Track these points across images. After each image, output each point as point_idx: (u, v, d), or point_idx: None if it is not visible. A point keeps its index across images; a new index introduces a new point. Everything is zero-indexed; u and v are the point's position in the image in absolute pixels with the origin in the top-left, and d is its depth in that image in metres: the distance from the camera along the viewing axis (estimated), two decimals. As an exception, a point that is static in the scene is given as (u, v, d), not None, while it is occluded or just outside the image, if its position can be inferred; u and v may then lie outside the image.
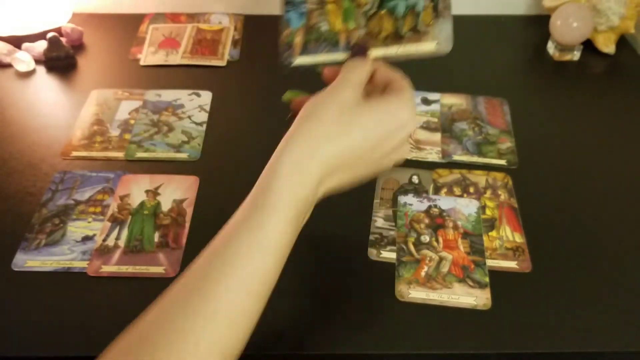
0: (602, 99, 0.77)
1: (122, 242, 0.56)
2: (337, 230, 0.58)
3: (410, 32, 0.45)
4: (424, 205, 0.61)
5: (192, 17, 0.91)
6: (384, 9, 0.44)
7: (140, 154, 0.66)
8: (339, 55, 0.45)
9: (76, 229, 0.58)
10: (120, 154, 0.66)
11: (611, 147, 0.69)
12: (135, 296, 0.52)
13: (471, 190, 0.63)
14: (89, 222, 0.58)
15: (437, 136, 0.70)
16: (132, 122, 0.71)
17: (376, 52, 0.45)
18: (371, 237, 0.57)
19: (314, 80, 0.46)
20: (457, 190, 0.62)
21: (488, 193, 0.62)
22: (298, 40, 0.45)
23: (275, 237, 0.37)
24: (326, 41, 0.44)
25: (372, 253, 0.56)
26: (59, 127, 0.70)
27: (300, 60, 0.45)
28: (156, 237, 0.57)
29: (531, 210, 0.61)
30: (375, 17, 0.44)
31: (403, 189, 0.63)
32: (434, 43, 0.46)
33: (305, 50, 0.45)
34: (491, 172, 0.65)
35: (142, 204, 0.60)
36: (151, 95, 0.75)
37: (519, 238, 0.58)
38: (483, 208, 0.61)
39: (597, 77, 0.82)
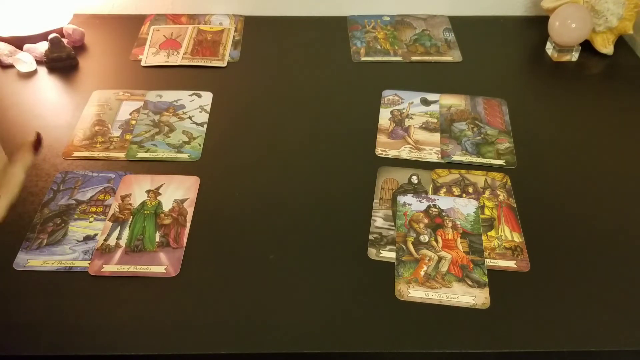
0: (600, 99, 0.78)
1: (123, 242, 0.57)
2: (337, 230, 0.59)
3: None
4: (423, 205, 0.61)
5: (193, 18, 0.91)
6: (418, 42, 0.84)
7: (142, 154, 0.67)
8: None
9: (77, 228, 0.58)
10: (121, 154, 0.67)
11: (609, 147, 0.70)
12: (136, 296, 0.52)
13: (470, 190, 0.63)
14: (91, 222, 0.59)
15: (436, 136, 0.70)
16: (133, 122, 0.71)
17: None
18: (370, 237, 0.58)
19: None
20: (456, 190, 0.63)
21: (487, 193, 0.63)
22: None
23: None
24: None
25: (372, 253, 0.56)
26: (60, 128, 0.70)
27: None
28: (157, 236, 0.57)
29: (530, 210, 0.61)
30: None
31: (402, 189, 0.63)
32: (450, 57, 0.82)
33: None
34: (490, 172, 0.65)
35: (143, 204, 0.61)
36: (152, 95, 0.76)
37: (517, 238, 0.58)
38: (482, 208, 0.61)
39: (596, 78, 0.82)
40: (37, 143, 0.43)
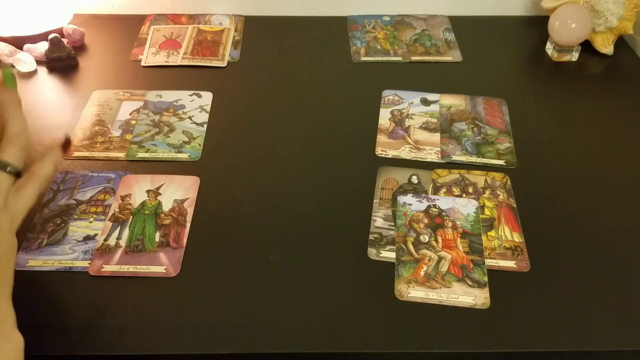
0: (600, 99, 0.78)
1: (123, 242, 0.57)
2: (337, 229, 0.59)
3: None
4: (423, 205, 0.61)
5: (193, 18, 0.91)
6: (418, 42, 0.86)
7: (142, 154, 0.67)
8: None
9: (77, 228, 0.58)
10: (121, 154, 0.67)
11: (609, 147, 0.70)
12: (136, 296, 0.52)
13: (470, 190, 0.63)
14: (91, 222, 0.59)
15: (436, 136, 0.70)
16: (133, 122, 0.71)
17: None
18: (370, 237, 0.58)
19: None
20: (456, 190, 0.63)
21: (487, 193, 0.63)
22: None
23: None
24: None
25: (372, 253, 0.56)
26: (60, 128, 0.70)
27: None
28: (157, 236, 0.57)
29: (530, 210, 0.61)
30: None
31: (402, 189, 0.63)
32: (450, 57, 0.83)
33: None
34: (490, 172, 0.65)
35: (143, 204, 0.61)
36: (152, 95, 0.76)
37: (517, 238, 0.58)
38: (482, 208, 0.61)
39: (596, 78, 0.82)
40: (66, 144, 0.46)
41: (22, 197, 0.41)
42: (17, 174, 0.40)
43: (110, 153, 0.67)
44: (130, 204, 0.61)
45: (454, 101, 0.76)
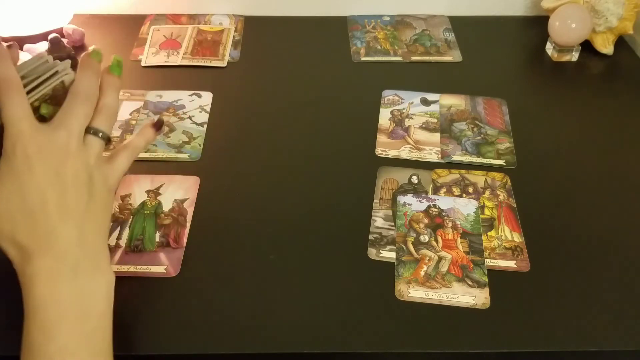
0: (600, 99, 0.78)
1: (123, 242, 0.57)
2: (337, 230, 0.59)
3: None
4: (423, 205, 0.61)
5: (193, 18, 0.91)
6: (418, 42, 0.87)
7: (141, 154, 0.66)
8: None
9: (78, 228, 0.58)
10: (121, 154, 0.67)
11: (609, 147, 0.70)
12: (136, 295, 0.52)
13: (470, 190, 0.63)
14: (91, 222, 0.59)
15: (436, 136, 0.70)
16: (134, 122, 0.71)
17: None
18: (370, 237, 0.58)
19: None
20: (456, 190, 0.63)
21: (487, 193, 0.63)
22: None
23: None
24: None
25: (372, 253, 0.56)
26: (60, 128, 0.70)
27: None
28: (157, 236, 0.57)
29: (530, 210, 0.61)
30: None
31: (402, 189, 0.63)
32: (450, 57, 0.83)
33: None
34: (490, 172, 0.65)
35: (143, 204, 0.61)
36: (152, 95, 0.76)
37: (517, 238, 0.58)
38: (482, 208, 0.61)
39: (596, 78, 0.82)
40: (158, 124, 0.52)
41: (115, 164, 0.47)
42: (107, 140, 0.45)
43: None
44: (130, 204, 0.61)
45: (454, 101, 0.76)
